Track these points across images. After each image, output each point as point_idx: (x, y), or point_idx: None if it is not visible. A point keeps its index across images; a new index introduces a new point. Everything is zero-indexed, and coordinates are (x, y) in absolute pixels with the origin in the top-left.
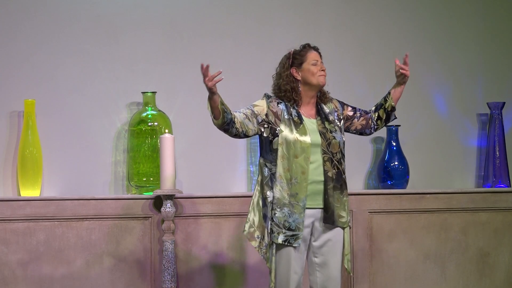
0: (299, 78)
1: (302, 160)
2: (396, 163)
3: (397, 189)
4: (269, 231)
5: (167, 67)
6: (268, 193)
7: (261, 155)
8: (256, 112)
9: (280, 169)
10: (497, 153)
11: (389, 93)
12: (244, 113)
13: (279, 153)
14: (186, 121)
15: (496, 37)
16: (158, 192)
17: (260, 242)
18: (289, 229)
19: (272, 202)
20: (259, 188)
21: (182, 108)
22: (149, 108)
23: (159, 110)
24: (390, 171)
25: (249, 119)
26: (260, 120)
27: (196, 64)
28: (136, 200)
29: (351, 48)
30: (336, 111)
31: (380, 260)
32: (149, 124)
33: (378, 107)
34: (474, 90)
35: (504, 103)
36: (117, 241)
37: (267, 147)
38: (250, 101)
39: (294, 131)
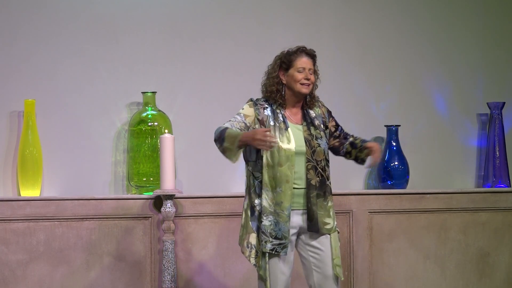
0: (284, 82)
1: (286, 168)
2: (396, 163)
3: (397, 189)
4: (260, 239)
5: (167, 67)
6: (256, 201)
7: (247, 163)
8: (248, 125)
9: (265, 177)
10: (497, 153)
11: (364, 151)
12: (239, 128)
13: (264, 161)
14: (186, 121)
15: (496, 37)
16: (158, 192)
17: (250, 251)
18: (276, 237)
19: (259, 211)
20: (247, 197)
21: (182, 108)
22: (149, 108)
23: (159, 110)
24: (390, 171)
25: None
26: None
27: (196, 64)
28: (136, 200)
29: (351, 48)
30: (323, 118)
31: (380, 260)
32: (149, 124)
33: (353, 146)
34: (474, 90)
35: (504, 103)
36: (117, 241)
37: (253, 155)
38: None
39: (279, 138)
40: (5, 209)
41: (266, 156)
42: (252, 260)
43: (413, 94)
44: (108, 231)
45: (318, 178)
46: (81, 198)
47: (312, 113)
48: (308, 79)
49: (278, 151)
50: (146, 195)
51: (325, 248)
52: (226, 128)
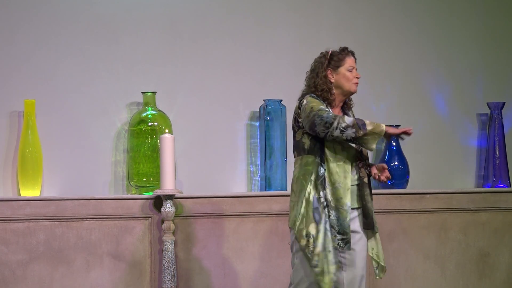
0: (332, 80)
1: (344, 165)
2: (396, 163)
3: (397, 189)
4: (325, 231)
5: (167, 67)
6: (321, 193)
7: (317, 154)
8: None
9: (327, 172)
10: (497, 153)
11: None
12: None
13: (325, 155)
14: (186, 121)
15: (496, 37)
16: (158, 192)
17: (308, 241)
18: (339, 232)
19: (325, 204)
20: (312, 186)
21: (182, 108)
22: (149, 108)
23: (159, 110)
24: (390, 171)
25: None
26: None
27: (196, 64)
28: (136, 200)
29: (351, 48)
30: None
31: None
32: (149, 124)
33: None
34: (474, 90)
35: (504, 103)
36: (117, 241)
37: (322, 148)
38: (250, 101)
39: None
40: (5, 209)
41: (327, 151)
42: (308, 250)
43: (413, 94)
44: (108, 231)
45: (367, 177)
46: (81, 198)
47: (350, 114)
48: (357, 77)
49: (335, 148)
50: (146, 195)
51: (358, 248)
52: (347, 117)
